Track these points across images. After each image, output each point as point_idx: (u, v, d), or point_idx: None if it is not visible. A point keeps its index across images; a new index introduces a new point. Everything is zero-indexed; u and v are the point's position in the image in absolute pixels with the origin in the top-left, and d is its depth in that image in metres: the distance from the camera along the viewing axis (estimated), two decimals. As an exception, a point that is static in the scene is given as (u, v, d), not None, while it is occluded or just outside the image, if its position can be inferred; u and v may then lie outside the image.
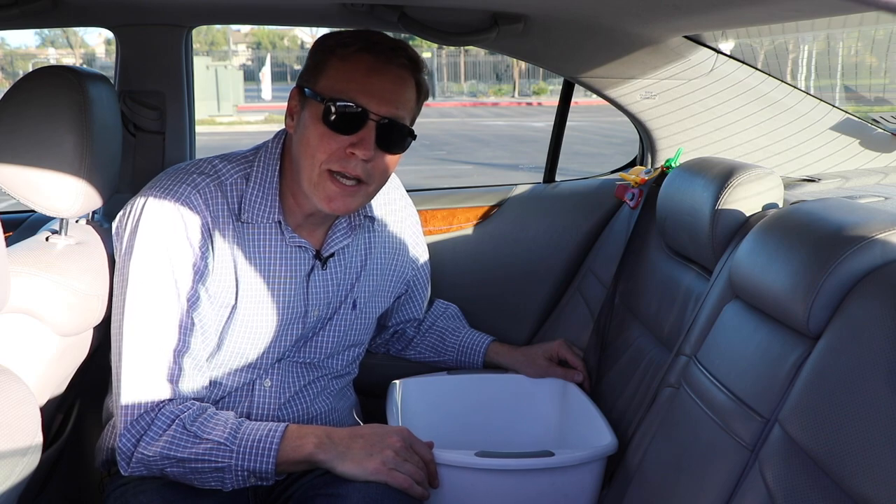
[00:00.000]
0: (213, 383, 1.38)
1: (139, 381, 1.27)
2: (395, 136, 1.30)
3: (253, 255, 1.35)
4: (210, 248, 1.31)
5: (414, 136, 1.34)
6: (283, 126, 1.39)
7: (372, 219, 1.48)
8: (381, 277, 1.53)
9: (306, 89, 1.30)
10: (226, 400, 1.39)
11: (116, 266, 1.33)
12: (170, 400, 1.29)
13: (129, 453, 1.27)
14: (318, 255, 1.40)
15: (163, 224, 1.29)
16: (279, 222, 1.35)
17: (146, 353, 1.28)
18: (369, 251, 1.50)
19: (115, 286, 1.32)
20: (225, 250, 1.32)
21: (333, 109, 1.26)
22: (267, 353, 1.39)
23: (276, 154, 1.36)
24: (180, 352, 1.30)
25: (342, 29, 1.38)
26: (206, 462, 1.25)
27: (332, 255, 1.42)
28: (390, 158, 1.32)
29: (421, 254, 1.67)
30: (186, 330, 1.31)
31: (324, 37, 1.34)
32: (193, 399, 1.34)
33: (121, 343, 1.29)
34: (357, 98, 1.26)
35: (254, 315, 1.36)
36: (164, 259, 1.28)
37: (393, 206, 1.58)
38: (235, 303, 1.34)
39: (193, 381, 1.34)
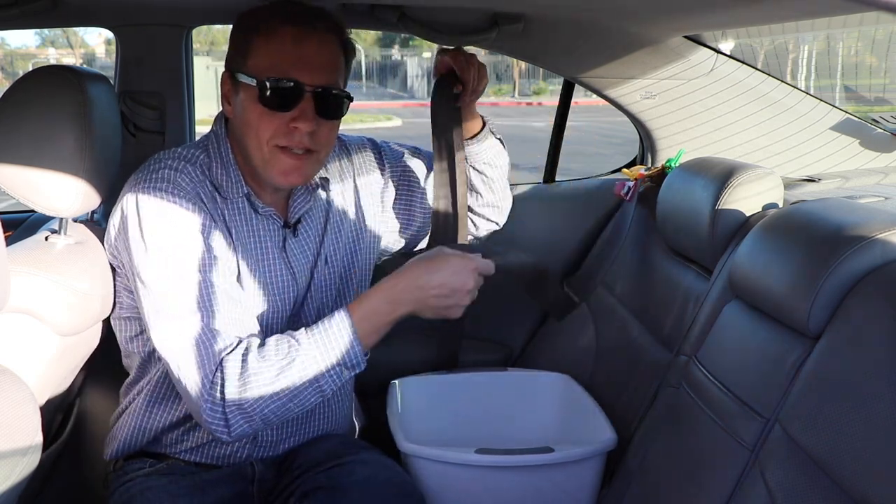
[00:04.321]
0: None
1: (202, 347, 1.23)
2: (333, 103, 1.31)
3: (240, 228, 1.34)
4: (209, 223, 1.30)
5: (351, 99, 1.35)
6: None
7: (326, 179, 1.47)
8: (347, 234, 1.51)
9: (237, 73, 1.30)
10: None
11: (128, 269, 1.30)
12: (227, 347, 1.24)
13: (221, 415, 1.22)
14: (286, 224, 1.41)
15: (165, 212, 1.27)
16: (248, 195, 1.35)
17: (193, 322, 1.24)
18: (329, 210, 1.49)
19: (135, 289, 1.28)
20: (220, 225, 1.32)
21: (268, 87, 1.27)
22: (271, 327, 1.38)
23: (223, 135, 1.37)
24: (225, 312, 1.27)
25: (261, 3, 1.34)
26: (299, 381, 1.22)
27: (300, 220, 1.42)
28: (333, 124, 1.34)
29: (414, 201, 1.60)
30: (221, 293, 1.28)
31: (243, 16, 1.33)
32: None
33: (162, 326, 1.24)
34: (289, 72, 1.27)
35: (254, 286, 1.36)
36: (179, 242, 1.26)
37: (349, 169, 1.55)
38: (239, 274, 1.34)
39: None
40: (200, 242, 1.27)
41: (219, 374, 1.21)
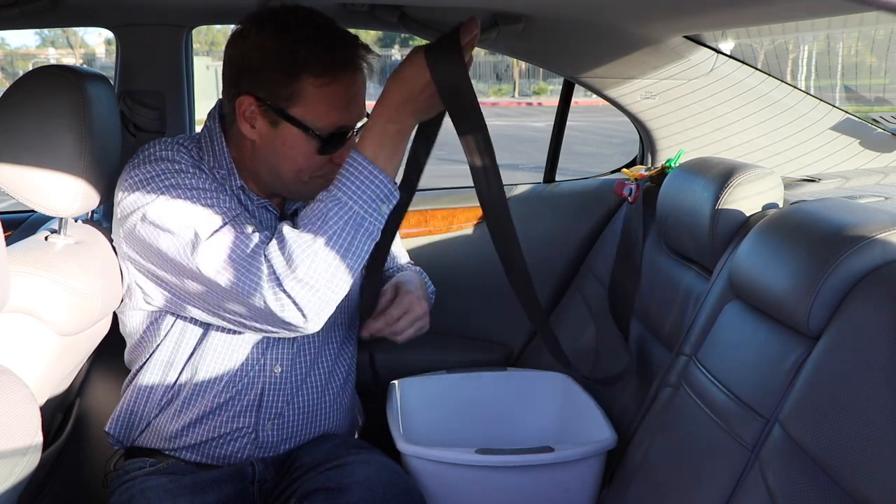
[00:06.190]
0: (226, 366, 1.37)
1: (244, 252, 1.20)
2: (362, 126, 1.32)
3: (238, 212, 1.34)
4: (212, 186, 1.29)
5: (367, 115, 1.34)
6: None
7: None
8: None
9: (281, 112, 1.26)
10: (239, 388, 1.39)
11: (144, 243, 1.27)
12: (263, 240, 1.22)
13: (288, 300, 1.18)
14: (282, 215, 1.40)
15: (169, 177, 1.26)
16: (242, 188, 1.35)
17: (228, 237, 1.22)
18: None
19: (162, 249, 1.25)
20: (222, 195, 1.30)
21: (324, 138, 1.27)
22: None
23: (217, 131, 1.36)
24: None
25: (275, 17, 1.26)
26: (344, 231, 1.18)
27: (296, 212, 1.41)
28: None
29: None
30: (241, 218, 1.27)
31: (281, 51, 1.24)
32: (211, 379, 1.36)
33: (202, 256, 1.21)
34: (341, 123, 1.28)
35: None
36: (190, 189, 1.26)
37: None
38: None
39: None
40: (208, 191, 1.27)
41: (265, 263, 1.18)
